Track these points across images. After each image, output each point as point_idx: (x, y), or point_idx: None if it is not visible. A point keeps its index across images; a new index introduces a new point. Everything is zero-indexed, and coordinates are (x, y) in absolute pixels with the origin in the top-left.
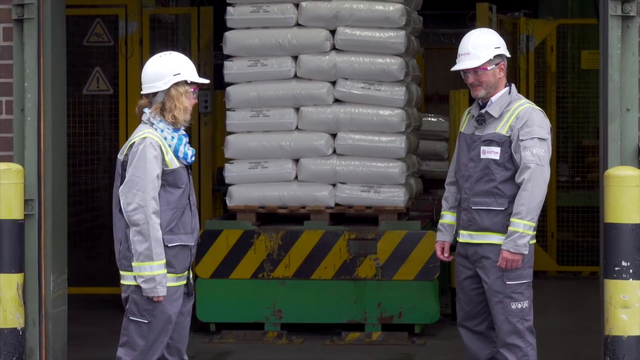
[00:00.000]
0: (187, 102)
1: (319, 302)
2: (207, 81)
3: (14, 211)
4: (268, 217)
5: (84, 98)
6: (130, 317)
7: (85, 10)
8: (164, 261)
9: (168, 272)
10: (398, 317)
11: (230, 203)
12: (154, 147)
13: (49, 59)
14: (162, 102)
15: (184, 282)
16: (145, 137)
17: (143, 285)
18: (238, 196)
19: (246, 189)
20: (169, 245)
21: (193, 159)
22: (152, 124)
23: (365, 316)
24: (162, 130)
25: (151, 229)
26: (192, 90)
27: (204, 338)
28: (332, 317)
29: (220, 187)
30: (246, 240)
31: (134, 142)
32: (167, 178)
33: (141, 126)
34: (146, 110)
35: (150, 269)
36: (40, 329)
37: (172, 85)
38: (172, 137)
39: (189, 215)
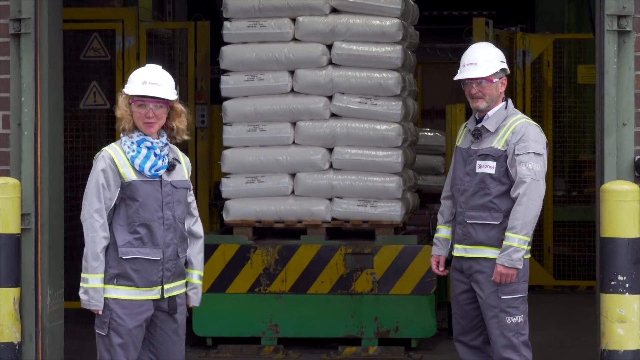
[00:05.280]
0: (122, 111)
1: (315, 316)
2: (140, 93)
3: (11, 225)
4: (265, 231)
5: (81, 112)
6: (95, 329)
7: (82, 24)
8: (100, 275)
9: (126, 285)
10: (394, 331)
11: (227, 217)
12: (104, 160)
13: (45, 74)
14: None
15: (155, 296)
16: (102, 150)
17: (81, 297)
18: (235, 211)
19: (243, 204)
20: (124, 257)
21: (156, 172)
22: (122, 136)
23: (362, 330)
24: (124, 143)
25: (90, 241)
26: (131, 101)
27: (201, 352)
28: (328, 331)
29: (217, 201)
30: (243, 255)
31: None
32: (125, 191)
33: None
34: None
35: (86, 282)
36: (36, 343)
37: (122, 95)
38: (132, 150)
39: (161, 229)
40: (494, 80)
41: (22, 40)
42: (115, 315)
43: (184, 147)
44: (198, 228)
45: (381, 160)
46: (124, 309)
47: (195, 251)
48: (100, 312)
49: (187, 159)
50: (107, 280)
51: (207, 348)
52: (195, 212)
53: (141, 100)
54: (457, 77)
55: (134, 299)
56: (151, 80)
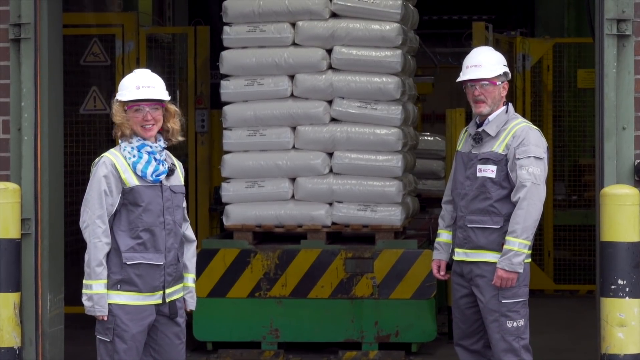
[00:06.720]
0: (120, 117)
1: (315, 321)
2: (136, 97)
3: (11, 230)
4: (265, 236)
5: (81, 117)
6: (97, 335)
7: (82, 29)
8: (104, 281)
9: (130, 291)
10: (395, 335)
11: (227, 222)
12: (106, 166)
13: (45, 79)
14: None
15: (157, 301)
16: (102, 156)
17: (84, 303)
18: (235, 215)
19: (243, 208)
20: (128, 262)
21: (158, 177)
22: (120, 142)
23: (362, 335)
24: (124, 149)
25: (93, 247)
26: (127, 107)
27: (201, 357)
28: (329, 336)
29: (217, 206)
30: (243, 259)
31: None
32: (127, 197)
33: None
34: None
35: (90, 288)
36: (37, 348)
37: (117, 103)
38: (133, 155)
39: (163, 234)
40: (497, 83)
41: (22, 45)
42: (119, 321)
43: (183, 151)
44: (190, 232)
45: (381, 165)
46: (128, 314)
47: (190, 255)
48: (105, 318)
49: (180, 164)
50: (110, 286)
51: (207, 353)
52: (187, 217)
53: (137, 104)
54: (460, 78)
55: (137, 304)
56: (144, 84)
